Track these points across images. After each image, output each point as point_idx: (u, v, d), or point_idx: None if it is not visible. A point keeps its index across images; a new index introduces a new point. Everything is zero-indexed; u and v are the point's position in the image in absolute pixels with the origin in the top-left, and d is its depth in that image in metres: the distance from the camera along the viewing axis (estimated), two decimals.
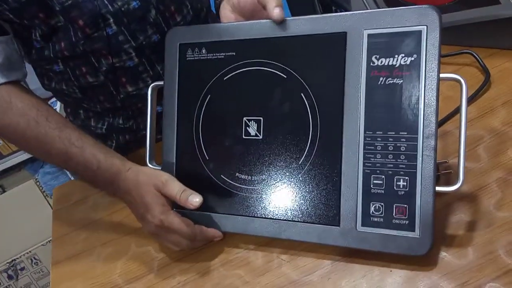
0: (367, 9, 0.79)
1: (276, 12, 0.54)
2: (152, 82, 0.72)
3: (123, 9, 0.65)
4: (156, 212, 0.57)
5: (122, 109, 0.78)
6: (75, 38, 0.65)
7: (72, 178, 1.45)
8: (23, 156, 1.59)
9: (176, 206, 0.58)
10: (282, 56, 0.55)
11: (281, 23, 0.54)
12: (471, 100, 0.65)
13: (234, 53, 0.57)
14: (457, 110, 0.63)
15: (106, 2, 0.64)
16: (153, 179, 0.58)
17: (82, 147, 0.61)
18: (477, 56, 0.70)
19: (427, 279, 0.48)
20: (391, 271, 0.50)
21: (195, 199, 0.56)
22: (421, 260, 0.48)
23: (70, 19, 0.64)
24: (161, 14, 0.68)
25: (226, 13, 0.62)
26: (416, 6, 0.48)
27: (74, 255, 0.67)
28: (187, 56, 0.60)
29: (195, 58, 0.60)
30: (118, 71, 0.71)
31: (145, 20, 0.67)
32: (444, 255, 0.49)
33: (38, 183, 1.62)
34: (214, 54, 0.59)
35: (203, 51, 0.59)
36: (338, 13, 0.52)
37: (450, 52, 0.73)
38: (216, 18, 0.82)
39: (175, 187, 0.57)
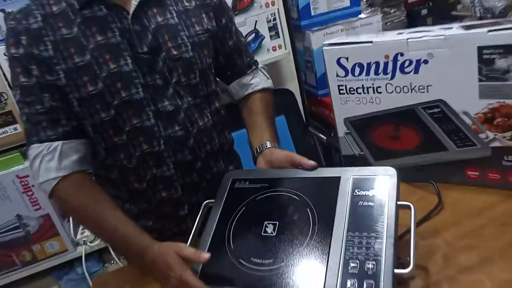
0: (352, 149, 1.05)
1: (311, 163, 0.87)
2: (181, 189, 0.98)
3: (171, 135, 0.92)
4: (177, 269, 0.76)
5: (156, 211, 1.00)
6: (132, 151, 0.92)
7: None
8: (50, 263, 1.73)
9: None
10: (298, 187, 0.85)
11: (313, 169, 0.86)
12: (427, 218, 0.88)
13: (267, 184, 0.87)
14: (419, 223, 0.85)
15: (161, 129, 0.91)
16: (173, 247, 0.79)
17: (125, 225, 0.86)
18: (435, 185, 0.94)
19: None
20: None
21: (205, 255, 0.76)
22: None
23: (133, 136, 0.90)
24: (197, 143, 0.96)
25: (262, 164, 0.96)
26: (383, 167, 0.80)
27: None
28: (235, 185, 0.91)
29: (240, 187, 0.90)
30: (157, 179, 0.96)
31: (185, 145, 0.95)
32: None
33: None
34: (254, 185, 0.89)
35: (247, 183, 0.90)
36: (335, 169, 0.86)
37: (417, 180, 0.97)
38: (237, 155, 1.16)
39: (191, 250, 0.78)
